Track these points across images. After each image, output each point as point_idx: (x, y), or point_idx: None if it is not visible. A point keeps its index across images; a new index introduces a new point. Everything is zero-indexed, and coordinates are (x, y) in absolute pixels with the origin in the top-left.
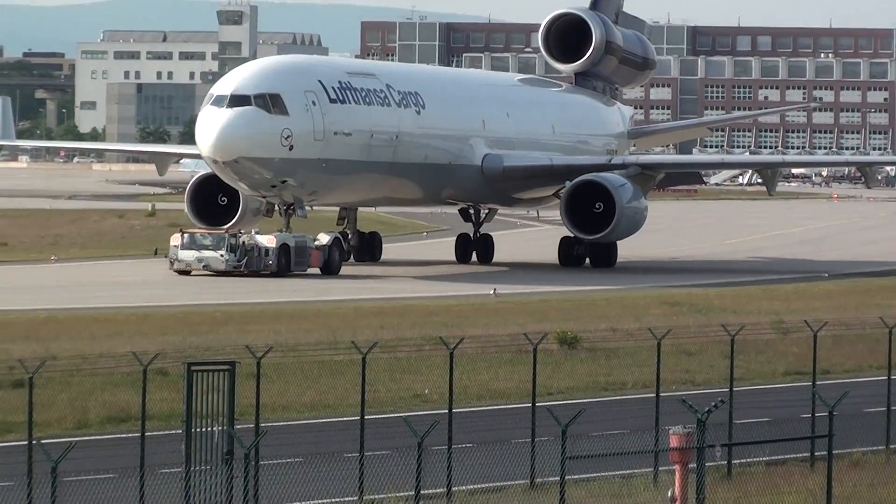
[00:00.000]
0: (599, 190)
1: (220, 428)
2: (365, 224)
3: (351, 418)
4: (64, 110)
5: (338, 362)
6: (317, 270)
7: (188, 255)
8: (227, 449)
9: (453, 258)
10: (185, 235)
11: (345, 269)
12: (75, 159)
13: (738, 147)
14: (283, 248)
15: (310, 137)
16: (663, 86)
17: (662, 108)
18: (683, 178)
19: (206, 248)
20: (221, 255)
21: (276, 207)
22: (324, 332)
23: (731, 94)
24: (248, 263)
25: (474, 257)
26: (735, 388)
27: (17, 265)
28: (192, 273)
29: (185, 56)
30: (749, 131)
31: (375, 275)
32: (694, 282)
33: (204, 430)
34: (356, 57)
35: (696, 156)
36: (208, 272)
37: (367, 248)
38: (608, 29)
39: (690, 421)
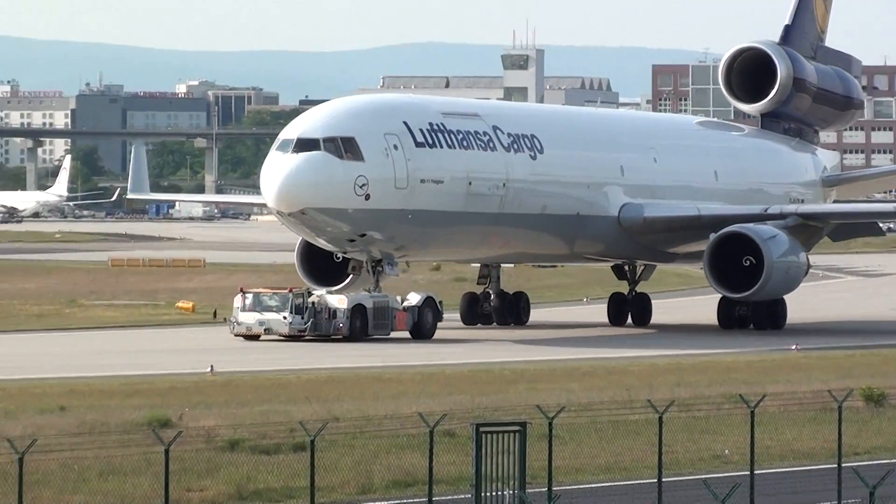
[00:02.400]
0: (747, 243)
1: (510, 492)
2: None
3: (648, 481)
4: None
5: (633, 422)
6: (405, 334)
7: (249, 318)
8: None
9: (605, 320)
10: (248, 296)
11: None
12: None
13: None
14: (358, 310)
15: (389, 185)
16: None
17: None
18: (859, 230)
19: (270, 309)
20: (284, 318)
21: (365, 265)
22: (618, 390)
23: None
24: (316, 326)
25: (629, 319)
26: None
27: None
28: (261, 338)
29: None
30: None
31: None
32: None
33: (494, 493)
34: (647, 102)
35: (873, 204)
36: (275, 337)
37: (511, 310)
38: (797, 64)
39: None
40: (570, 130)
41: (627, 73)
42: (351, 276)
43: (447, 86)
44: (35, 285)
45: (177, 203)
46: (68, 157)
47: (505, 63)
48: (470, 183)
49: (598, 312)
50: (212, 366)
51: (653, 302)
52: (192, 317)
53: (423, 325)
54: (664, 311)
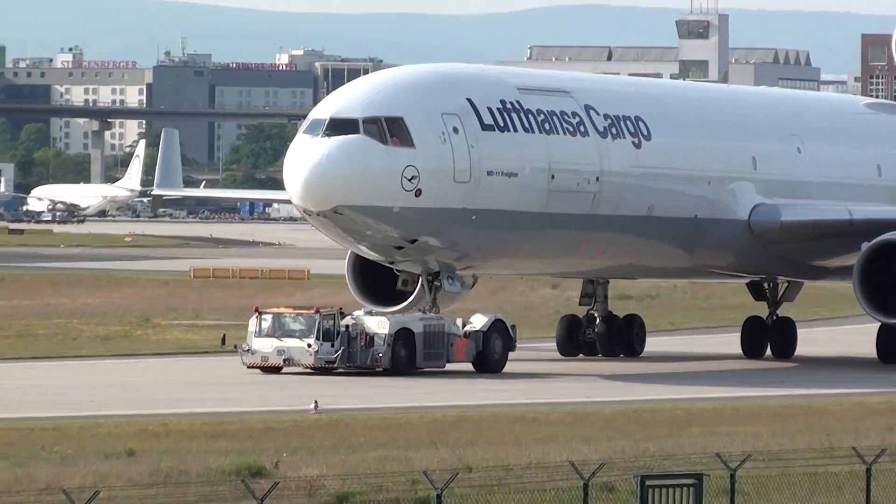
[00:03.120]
0: None
1: None
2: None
3: None
4: None
5: (834, 474)
6: (467, 366)
7: (265, 346)
8: None
9: (738, 350)
10: (265, 317)
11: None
12: None
13: None
14: (402, 335)
15: (447, 178)
16: None
17: None
18: None
19: (293, 334)
20: (309, 346)
21: (422, 280)
22: (816, 435)
23: None
24: (350, 356)
25: (768, 349)
26: None
27: None
28: (282, 370)
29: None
30: None
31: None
32: None
33: None
34: (856, 80)
35: None
36: (297, 369)
37: (620, 337)
38: None
39: None
40: (687, 111)
41: (831, 45)
42: (415, 293)
43: (609, 58)
44: (100, 300)
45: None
46: (142, 142)
47: (681, 31)
48: (553, 176)
49: (730, 342)
50: (315, 402)
51: (798, 329)
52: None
53: (489, 354)
54: (811, 340)
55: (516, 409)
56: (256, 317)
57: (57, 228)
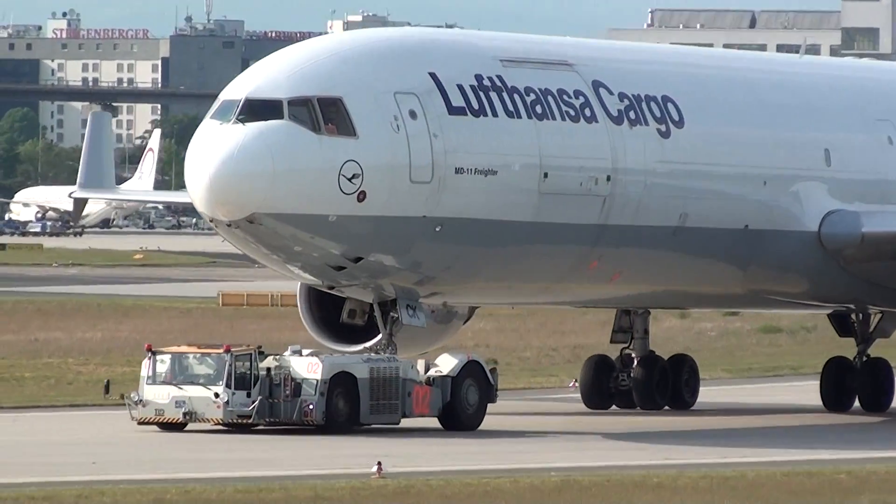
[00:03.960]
0: None
1: None
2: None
3: None
4: None
5: None
6: (431, 420)
7: (160, 395)
8: None
9: (817, 401)
10: (161, 359)
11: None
12: None
13: None
14: (341, 382)
15: (401, 177)
16: None
17: None
18: None
19: (196, 380)
20: (217, 395)
21: (376, 309)
22: None
23: None
24: (271, 409)
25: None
26: None
27: None
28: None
29: (790, 49)
30: None
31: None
32: None
33: None
34: None
35: None
36: (204, 426)
37: (665, 385)
38: None
39: None
40: (735, 89)
41: None
42: (388, 327)
43: (752, 24)
44: (102, 334)
45: None
46: (157, 132)
47: None
48: (545, 175)
49: (804, 391)
50: (379, 463)
51: None
52: None
53: (459, 406)
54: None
55: (633, 472)
56: (149, 358)
57: (48, 242)
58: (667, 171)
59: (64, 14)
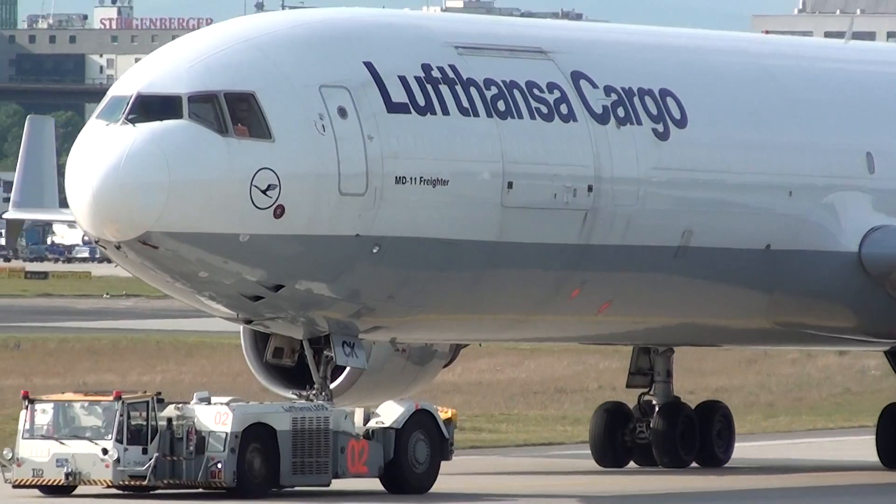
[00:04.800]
0: None
1: None
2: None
3: None
4: None
5: None
6: (371, 482)
7: (38, 452)
8: None
9: (873, 457)
10: (39, 408)
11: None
12: None
13: None
14: (256, 435)
15: (328, 188)
16: None
17: None
18: None
19: (82, 433)
20: (105, 452)
21: (306, 347)
22: None
23: None
24: (171, 468)
25: None
26: None
27: None
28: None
29: None
30: None
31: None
32: None
33: None
34: None
35: None
36: (91, 490)
37: (692, 437)
38: None
39: None
40: (753, 82)
41: None
42: (344, 373)
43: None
44: (163, 377)
45: None
46: None
47: None
48: (510, 185)
49: (858, 445)
50: None
51: None
52: (469, 437)
53: (405, 465)
54: None
55: None
56: (27, 407)
57: (97, 270)
58: (665, 180)
59: (113, 1)
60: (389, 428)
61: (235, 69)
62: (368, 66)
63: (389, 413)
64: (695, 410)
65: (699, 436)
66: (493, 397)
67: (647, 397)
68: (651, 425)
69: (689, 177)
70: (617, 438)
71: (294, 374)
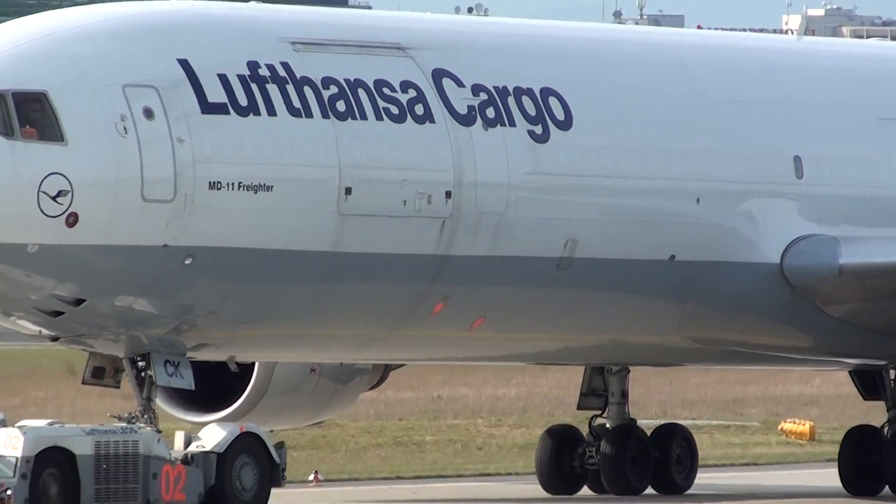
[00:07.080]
0: None
1: None
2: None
3: None
4: None
5: None
6: None
7: None
8: None
9: (835, 482)
10: None
11: None
12: None
13: None
14: (52, 461)
15: (129, 194)
16: None
17: None
18: None
19: None
20: None
21: (126, 366)
22: None
23: None
24: None
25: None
26: None
27: None
28: None
29: None
30: None
31: None
32: None
33: None
34: None
35: None
36: None
37: (645, 463)
38: None
39: None
40: (656, 79)
41: None
42: (247, 392)
43: None
44: (518, 390)
45: None
46: None
47: None
48: (348, 190)
49: (817, 472)
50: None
51: None
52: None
53: (228, 492)
54: None
55: None
56: None
57: None
58: (543, 186)
59: None
60: (210, 452)
61: (28, 66)
62: (183, 63)
63: (211, 436)
64: (652, 434)
65: (654, 462)
66: (850, 410)
67: (601, 420)
68: (601, 451)
69: (572, 182)
70: (563, 463)
71: (198, 397)
